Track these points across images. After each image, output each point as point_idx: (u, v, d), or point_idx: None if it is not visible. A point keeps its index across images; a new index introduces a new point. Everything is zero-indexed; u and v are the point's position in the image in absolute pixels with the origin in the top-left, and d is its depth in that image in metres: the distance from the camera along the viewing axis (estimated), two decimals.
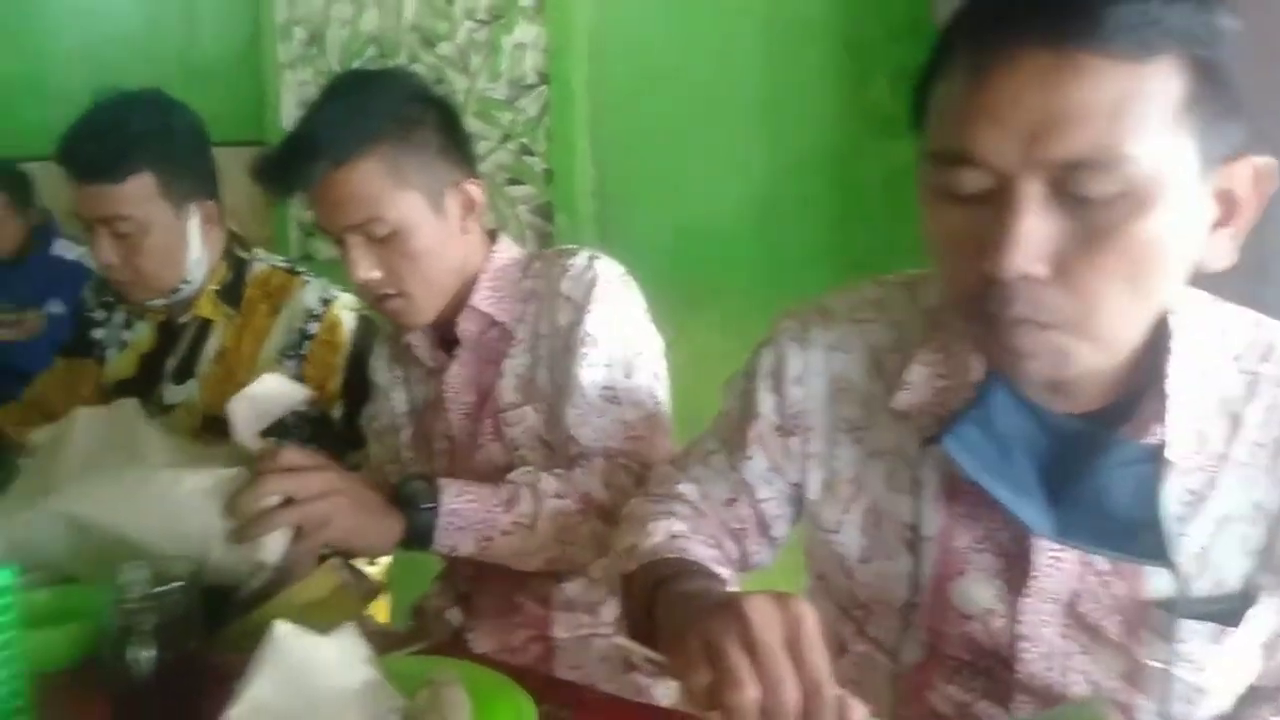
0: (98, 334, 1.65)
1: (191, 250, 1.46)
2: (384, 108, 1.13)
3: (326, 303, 1.50)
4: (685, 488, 0.98)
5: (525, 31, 2.29)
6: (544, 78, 2.32)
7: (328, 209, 1.13)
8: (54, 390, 1.67)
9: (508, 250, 1.26)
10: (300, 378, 1.47)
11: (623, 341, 1.18)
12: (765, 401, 0.94)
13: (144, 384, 1.57)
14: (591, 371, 1.15)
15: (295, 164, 1.12)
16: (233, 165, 2.87)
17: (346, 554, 1.09)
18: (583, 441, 1.15)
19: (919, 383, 0.84)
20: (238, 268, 1.55)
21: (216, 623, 0.94)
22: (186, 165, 1.46)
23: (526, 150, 2.33)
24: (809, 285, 2.00)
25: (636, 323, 1.21)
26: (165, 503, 0.95)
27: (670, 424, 1.23)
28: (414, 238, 1.13)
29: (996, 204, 0.68)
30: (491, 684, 0.86)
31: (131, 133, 1.39)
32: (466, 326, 1.21)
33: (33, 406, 1.68)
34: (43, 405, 1.66)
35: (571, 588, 1.25)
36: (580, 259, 1.20)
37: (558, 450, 1.18)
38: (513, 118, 2.34)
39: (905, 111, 0.77)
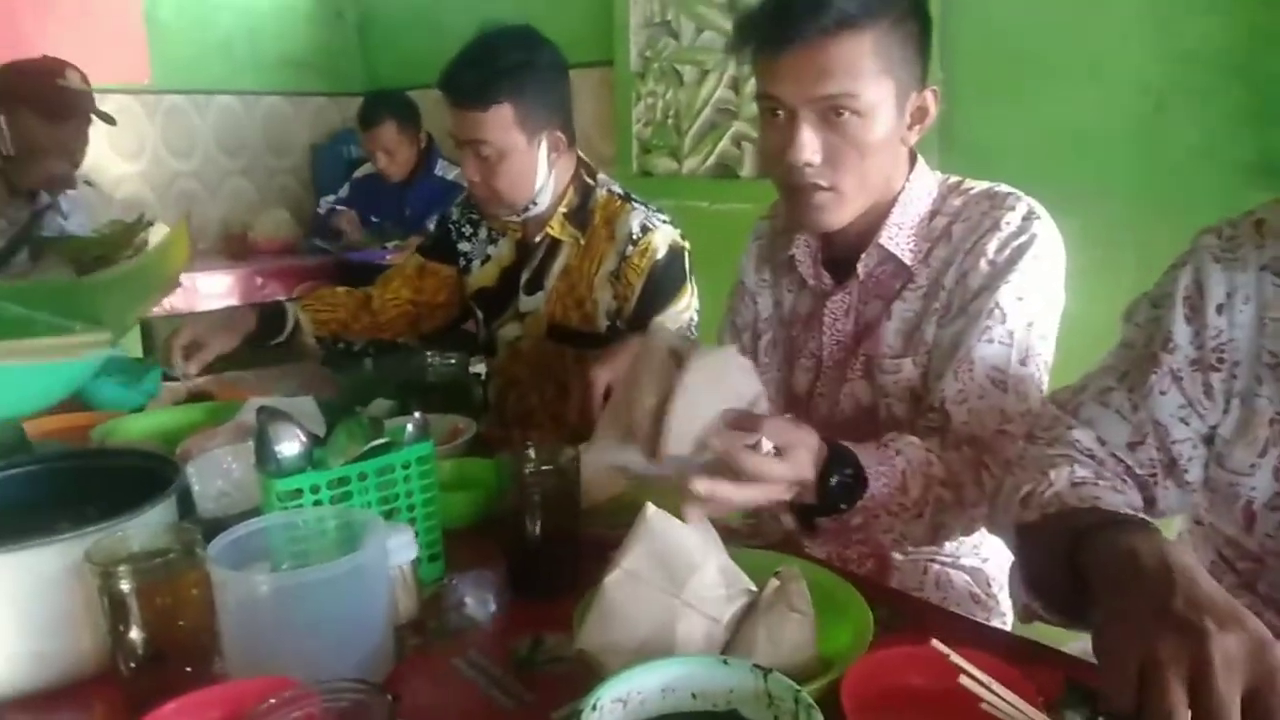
0: (464, 246, 1.81)
1: (539, 175, 1.61)
2: None
3: (646, 230, 1.60)
4: (1079, 434, 0.89)
5: None
6: None
7: (799, 75, 1.04)
8: (401, 282, 1.84)
9: (922, 178, 1.17)
10: (615, 295, 1.61)
11: (1030, 322, 1.07)
12: (1180, 331, 0.83)
13: (503, 293, 1.77)
14: (989, 348, 1.06)
15: (795, 16, 1.03)
16: (583, 85, 3.10)
17: None
18: (954, 420, 1.06)
19: None
20: (584, 193, 1.68)
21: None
22: (542, 99, 1.57)
23: None
24: (1197, 193, 1.81)
25: (1051, 301, 1.10)
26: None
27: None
28: (873, 128, 1.06)
29: None
30: (829, 582, 0.89)
31: (498, 67, 1.52)
32: (867, 263, 1.16)
33: (341, 305, 1.85)
34: (396, 294, 1.84)
35: None
36: (1015, 216, 1.09)
37: (924, 405, 1.11)
38: None
39: None
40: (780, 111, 1.07)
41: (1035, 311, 1.08)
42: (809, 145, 1.06)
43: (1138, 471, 0.88)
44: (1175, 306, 0.84)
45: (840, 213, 1.11)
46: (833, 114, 1.05)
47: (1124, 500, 0.83)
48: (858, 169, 1.08)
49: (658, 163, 2.91)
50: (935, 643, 0.60)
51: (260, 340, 1.76)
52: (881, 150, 1.08)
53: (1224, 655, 0.54)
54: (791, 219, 1.20)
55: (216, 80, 3.88)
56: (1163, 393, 0.85)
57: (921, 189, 1.16)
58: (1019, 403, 1.07)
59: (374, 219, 3.51)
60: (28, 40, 3.32)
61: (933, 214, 1.15)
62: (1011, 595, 0.90)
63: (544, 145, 1.59)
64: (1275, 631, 0.80)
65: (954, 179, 1.19)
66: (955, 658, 0.58)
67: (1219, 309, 0.81)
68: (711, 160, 2.76)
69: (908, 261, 1.14)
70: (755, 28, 1.08)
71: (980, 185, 1.16)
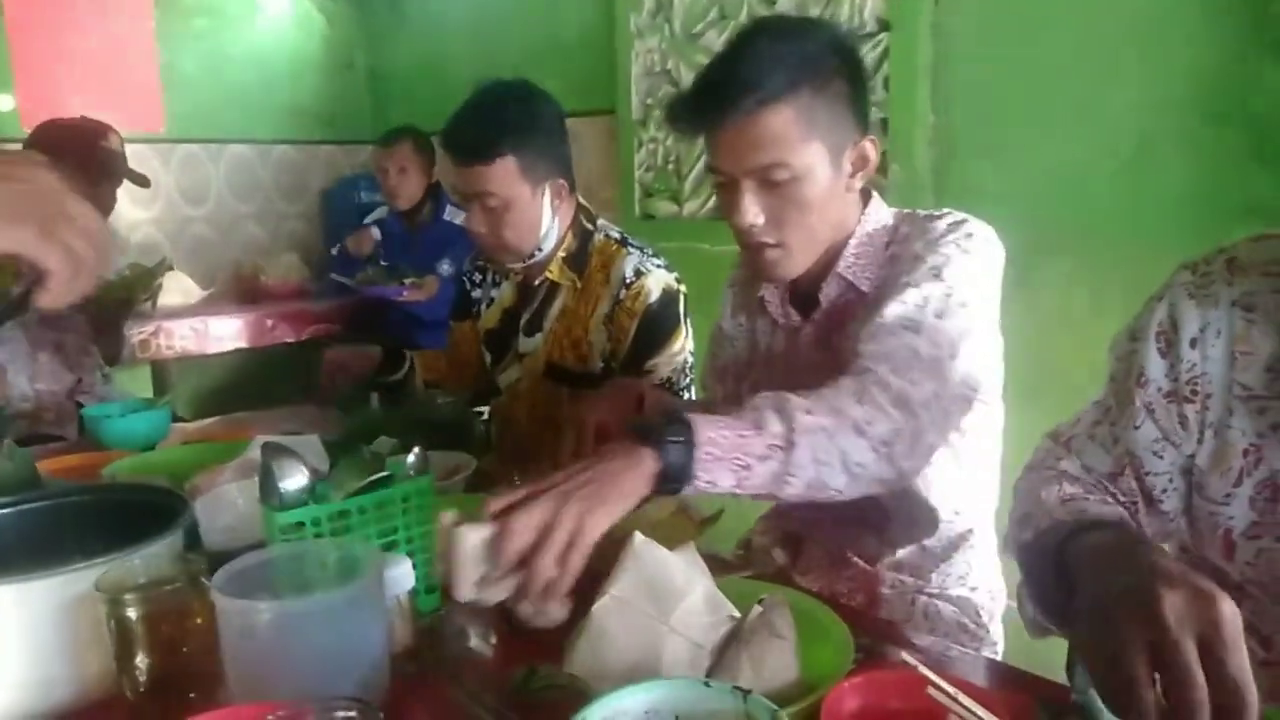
0: (475, 294, 1.92)
1: (544, 222, 1.66)
2: (809, 54, 1.11)
3: (639, 274, 1.65)
4: (1067, 464, 0.94)
5: None
6: (884, 25, 2.27)
7: (733, 150, 1.12)
8: (452, 347, 2.00)
9: (878, 214, 1.22)
10: (610, 338, 1.66)
11: (947, 287, 1.08)
12: (1154, 364, 0.87)
13: (505, 334, 1.82)
14: (900, 306, 1.07)
15: (716, 101, 1.11)
16: (587, 133, 3.17)
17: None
18: (863, 356, 1.03)
19: None
20: (583, 237, 1.73)
21: None
22: (544, 150, 1.62)
23: None
24: (1184, 235, 1.84)
25: (973, 277, 1.11)
26: None
27: (976, 384, 1.09)
28: (809, 188, 1.12)
29: None
30: (813, 609, 0.91)
31: (501, 121, 1.58)
32: (828, 292, 1.21)
33: (444, 358, 2.02)
34: (451, 357, 2.00)
35: (902, 551, 1.24)
36: (943, 222, 1.15)
37: None
38: None
39: None
40: (724, 180, 1.15)
41: (956, 279, 1.09)
42: (750, 210, 1.13)
43: (1120, 499, 0.91)
44: (1149, 340, 0.87)
45: (790, 265, 1.18)
46: (770, 180, 1.11)
47: (1112, 511, 0.86)
48: (802, 225, 1.14)
49: (659, 206, 2.97)
50: (905, 655, 0.63)
51: (381, 375, 1.91)
52: (823, 203, 1.14)
53: (1174, 611, 0.59)
54: (752, 271, 1.28)
55: (230, 129, 3.97)
56: (1137, 427, 0.88)
57: (877, 221, 1.21)
58: (931, 347, 1.04)
59: (384, 264, 3.57)
60: (55, 89, 3.42)
61: (888, 244, 1.21)
62: (1021, 613, 0.93)
63: (547, 194, 1.64)
64: (1255, 660, 0.83)
65: (908, 211, 1.25)
66: (923, 669, 0.61)
67: (1192, 343, 0.84)
68: (711, 203, 2.82)
69: (864, 289, 1.19)
70: (683, 111, 1.16)
71: (925, 213, 1.21)
